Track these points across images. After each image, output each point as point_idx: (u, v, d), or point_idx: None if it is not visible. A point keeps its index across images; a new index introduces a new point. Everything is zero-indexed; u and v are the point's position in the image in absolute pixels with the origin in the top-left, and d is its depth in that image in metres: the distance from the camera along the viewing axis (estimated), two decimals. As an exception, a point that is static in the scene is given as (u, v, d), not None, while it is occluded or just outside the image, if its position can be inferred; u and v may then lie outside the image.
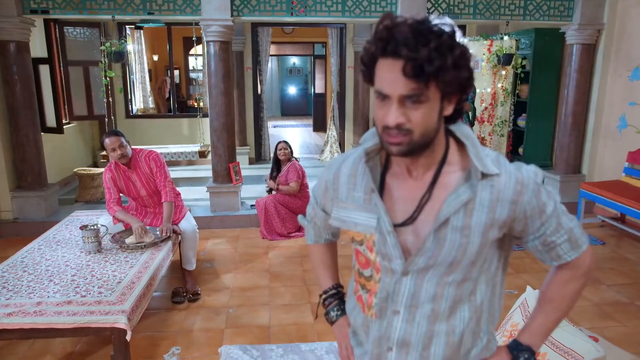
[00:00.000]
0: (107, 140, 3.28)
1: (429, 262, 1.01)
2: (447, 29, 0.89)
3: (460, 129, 1.04)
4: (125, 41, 6.19)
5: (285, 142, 4.98)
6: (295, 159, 5.00)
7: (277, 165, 4.98)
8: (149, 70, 8.80)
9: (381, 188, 1.07)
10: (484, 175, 0.99)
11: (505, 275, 1.14)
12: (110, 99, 6.18)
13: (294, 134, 12.26)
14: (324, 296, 1.35)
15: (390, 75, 0.90)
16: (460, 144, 1.04)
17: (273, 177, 4.97)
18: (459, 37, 0.91)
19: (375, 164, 1.10)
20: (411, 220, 1.03)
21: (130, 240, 3.18)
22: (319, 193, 1.24)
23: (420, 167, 1.03)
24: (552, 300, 1.13)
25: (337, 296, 1.34)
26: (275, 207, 4.74)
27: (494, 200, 1.00)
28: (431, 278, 1.03)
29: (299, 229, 4.89)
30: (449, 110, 0.97)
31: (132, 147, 3.42)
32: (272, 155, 5.24)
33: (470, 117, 5.49)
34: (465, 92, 0.96)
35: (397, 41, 0.88)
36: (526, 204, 1.01)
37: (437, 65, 0.87)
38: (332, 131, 8.21)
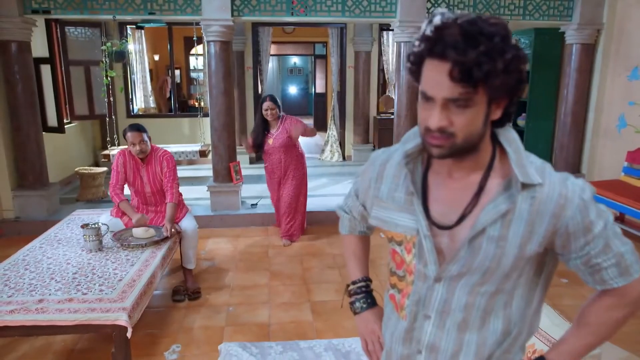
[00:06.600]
0: (129, 134, 3.35)
1: (462, 269, 0.99)
2: (500, 30, 0.85)
3: (506, 133, 1.00)
4: (127, 41, 6.22)
5: (272, 98, 4.30)
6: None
7: (265, 127, 4.39)
8: (150, 70, 8.81)
9: (424, 187, 1.05)
10: (525, 185, 0.94)
11: (545, 293, 1.08)
12: (112, 99, 6.21)
13: (294, 134, 12.25)
14: (351, 287, 1.34)
15: (436, 78, 0.88)
16: (503, 149, 1.00)
17: (258, 143, 4.42)
18: (511, 39, 0.87)
19: (417, 164, 1.08)
20: (451, 227, 1.01)
21: (137, 234, 3.23)
22: (362, 189, 1.22)
23: (462, 169, 1.00)
24: (589, 324, 1.06)
25: (364, 289, 1.33)
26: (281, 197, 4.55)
27: (534, 212, 0.95)
28: (463, 286, 1.01)
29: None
30: (497, 114, 0.94)
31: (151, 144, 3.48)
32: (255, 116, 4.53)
33: None
34: (515, 96, 0.93)
35: (445, 43, 0.84)
36: (569, 219, 0.95)
37: (486, 70, 0.84)
38: (332, 131, 8.23)
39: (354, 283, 1.34)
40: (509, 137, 1.00)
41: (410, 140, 1.08)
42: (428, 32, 0.88)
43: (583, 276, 1.03)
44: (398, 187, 1.08)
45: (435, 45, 0.86)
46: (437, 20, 0.87)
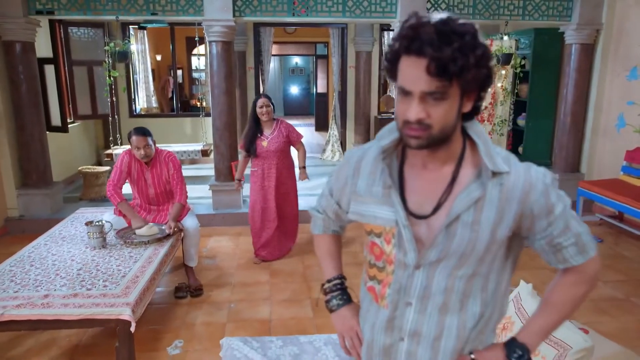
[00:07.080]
0: (134, 138, 3.31)
1: (440, 255, 1.06)
2: (470, 29, 0.94)
3: (473, 126, 1.08)
4: (129, 41, 6.26)
5: (267, 96, 4.08)
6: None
7: (257, 128, 4.09)
8: (152, 70, 8.87)
9: (400, 180, 1.11)
10: (494, 174, 1.03)
11: (511, 276, 1.16)
12: (114, 99, 6.26)
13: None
14: (327, 285, 1.37)
15: (414, 73, 0.94)
16: (472, 141, 1.08)
17: (248, 143, 4.07)
18: (479, 37, 0.96)
19: (392, 159, 1.14)
20: (428, 216, 1.07)
21: (140, 231, 3.28)
22: (337, 187, 1.27)
23: (436, 161, 1.07)
24: (554, 303, 1.15)
25: (339, 286, 1.36)
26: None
27: (503, 199, 1.03)
28: (442, 271, 1.07)
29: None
30: (467, 107, 1.02)
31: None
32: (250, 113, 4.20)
33: None
34: (484, 90, 1.01)
35: (421, 40, 0.91)
36: (534, 203, 1.04)
37: (460, 65, 0.91)
38: (333, 130, 8.26)
39: (329, 281, 1.38)
40: (477, 130, 1.08)
41: (385, 136, 1.13)
42: (404, 32, 0.95)
43: (547, 256, 1.12)
44: (375, 182, 1.13)
45: (412, 42, 0.93)
46: (412, 20, 0.95)
